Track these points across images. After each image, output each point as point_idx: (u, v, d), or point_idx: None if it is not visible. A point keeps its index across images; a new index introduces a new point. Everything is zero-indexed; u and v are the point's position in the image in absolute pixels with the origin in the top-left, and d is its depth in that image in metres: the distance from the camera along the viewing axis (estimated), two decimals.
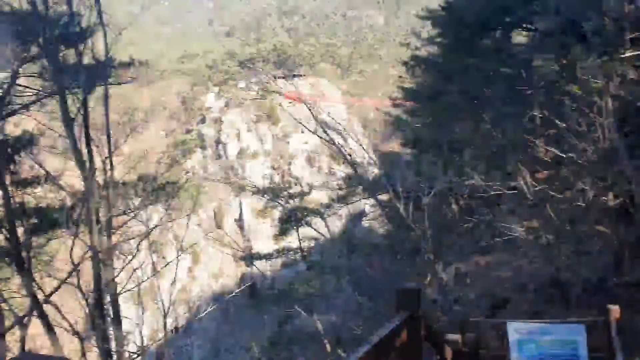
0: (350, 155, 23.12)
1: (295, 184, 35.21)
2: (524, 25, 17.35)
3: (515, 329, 7.23)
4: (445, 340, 4.21)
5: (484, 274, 13.67)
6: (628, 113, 13.70)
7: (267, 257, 27.42)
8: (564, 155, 11.93)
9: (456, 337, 4.39)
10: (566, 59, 11.43)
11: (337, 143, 25.89)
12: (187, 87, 72.23)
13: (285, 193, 28.97)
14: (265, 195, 32.98)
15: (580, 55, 10.59)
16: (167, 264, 20.00)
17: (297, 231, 26.50)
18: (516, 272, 12.73)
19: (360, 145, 29.87)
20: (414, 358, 2.88)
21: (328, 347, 15.72)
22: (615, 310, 6.25)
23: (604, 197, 10.40)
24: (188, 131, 65.32)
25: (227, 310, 40.01)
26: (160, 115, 66.98)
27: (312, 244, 28.96)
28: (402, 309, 2.90)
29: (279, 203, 27.77)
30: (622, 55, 11.03)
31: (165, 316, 14.45)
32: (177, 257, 17.43)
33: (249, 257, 36.19)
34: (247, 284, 32.51)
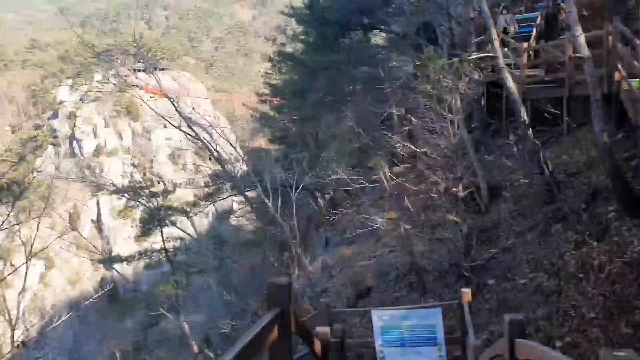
0: (216, 152, 22.63)
1: (158, 182, 33.74)
2: (382, 27, 18.26)
3: (379, 316, 7.56)
4: (315, 334, 4.24)
5: (349, 265, 14.18)
6: (473, 110, 15.04)
7: (129, 259, 25.95)
8: (419, 150, 12.77)
9: (325, 329, 4.45)
10: (419, 60, 12.22)
11: (202, 139, 25.22)
12: (37, 79, 66.04)
13: (147, 191, 27.58)
14: (125, 195, 31.17)
15: (432, 56, 11.37)
16: (15, 270, 18.06)
17: (161, 231, 25.39)
18: (378, 261, 13.36)
19: (227, 141, 29.41)
20: (284, 354, 2.83)
21: (195, 348, 15.31)
22: (467, 293, 6.78)
23: (454, 188, 11.26)
24: (38, 127, 59.84)
25: (86, 317, 37.50)
26: (5, 109, 60.56)
27: (178, 244, 27.98)
28: (273, 305, 2.84)
29: (141, 202, 26.37)
30: (469, 57, 12.02)
31: (12, 329, 13.02)
32: (26, 263, 15.79)
33: (109, 260, 34.04)
34: (107, 288, 30.50)
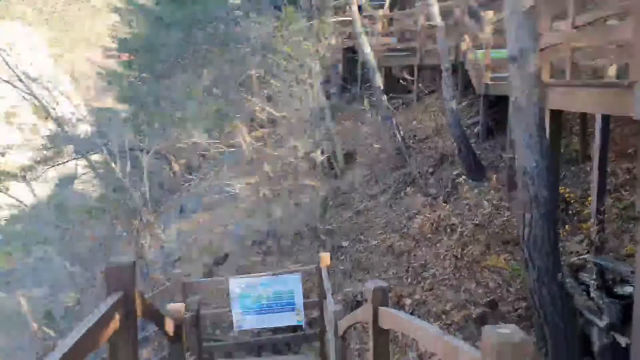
0: (55, 110, 20.40)
1: None
2: None
3: (236, 284, 7.34)
4: (166, 313, 3.85)
5: (206, 232, 13.72)
6: (331, 76, 15.17)
7: None
8: (278, 114, 12.57)
9: (177, 306, 4.08)
10: (279, 20, 11.90)
11: (40, 97, 22.64)
12: None
13: None
14: None
15: (292, 17, 11.12)
16: None
17: None
18: (236, 227, 13.09)
19: (69, 100, 26.76)
20: (128, 344, 2.43)
21: (34, 325, 13.92)
22: (325, 257, 6.79)
23: (312, 153, 11.28)
24: None
25: None
26: None
27: (14, 212, 25.15)
28: (114, 289, 2.41)
29: None
30: (328, 20, 11.96)
31: None
32: None
33: None
34: None
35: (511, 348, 1.66)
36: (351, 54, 15.31)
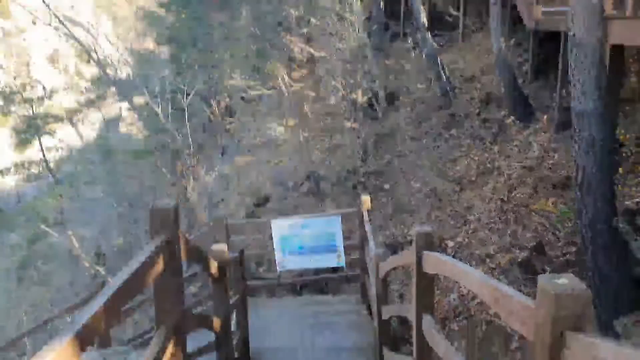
0: (97, 53, 20.59)
1: (33, 87, 30.54)
2: None
3: (278, 226, 7.40)
4: (210, 253, 3.88)
5: (247, 175, 13.83)
6: (372, 12, 14.59)
7: (4, 171, 23.76)
8: (318, 54, 12.28)
9: (220, 246, 4.11)
10: None
11: (83, 41, 22.89)
12: None
13: (20, 97, 24.89)
14: None
15: None
16: None
17: (40, 141, 23.29)
18: (276, 170, 13.13)
19: (110, 42, 26.94)
20: (173, 288, 2.45)
21: (86, 263, 14.58)
22: (366, 200, 6.72)
23: (353, 94, 11.04)
24: None
25: None
26: None
27: (61, 154, 25.99)
28: (157, 233, 2.40)
29: (14, 110, 23.81)
30: None
31: None
32: None
33: None
34: None
35: (570, 300, 1.56)
36: None
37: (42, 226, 15.21)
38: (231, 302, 4.66)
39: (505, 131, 7.93)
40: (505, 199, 6.40)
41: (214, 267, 3.87)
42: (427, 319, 3.17)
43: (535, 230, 5.76)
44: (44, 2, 23.65)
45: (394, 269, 4.55)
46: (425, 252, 3.10)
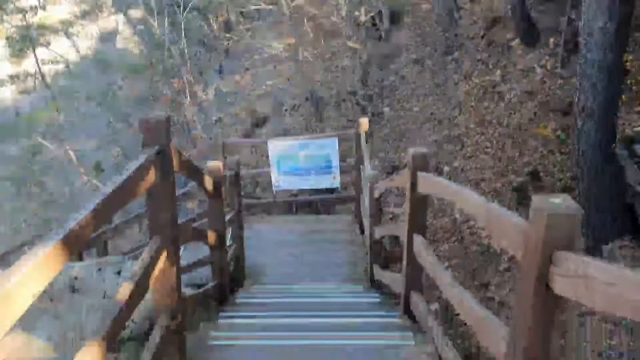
0: None
1: None
2: None
3: (275, 146, 7.39)
4: (205, 170, 3.87)
5: (245, 93, 13.61)
6: None
7: (0, 83, 23.35)
8: None
9: (216, 163, 4.09)
10: None
11: None
12: None
13: (12, 7, 23.97)
14: None
15: None
16: None
17: (35, 53, 22.68)
18: (275, 90, 12.91)
19: None
20: (166, 197, 2.44)
21: (84, 177, 14.70)
22: (364, 122, 6.65)
23: (357, 12, 10.65)
24: None
25: None
26: None
27: (57, 67, 25.45)
28: (148, 145, 2.36)
29: (5, 20, 23.00)
30: None
31: None
32: None
33: None
34: None
35: (562, 219, 1.55)
36: None
37: (40, 139, 15.15)
38: (227, 217, 4.72)
39: (509, 54, 7.71)
40: (504, 123, 6.32)
41: (209, 183, 3.88)
42: (418, 239, 3.21)
43: (532, 155, 5.73)
44: None
45: (389, 190, 4.57)
46: (420, 173, 3.09)
